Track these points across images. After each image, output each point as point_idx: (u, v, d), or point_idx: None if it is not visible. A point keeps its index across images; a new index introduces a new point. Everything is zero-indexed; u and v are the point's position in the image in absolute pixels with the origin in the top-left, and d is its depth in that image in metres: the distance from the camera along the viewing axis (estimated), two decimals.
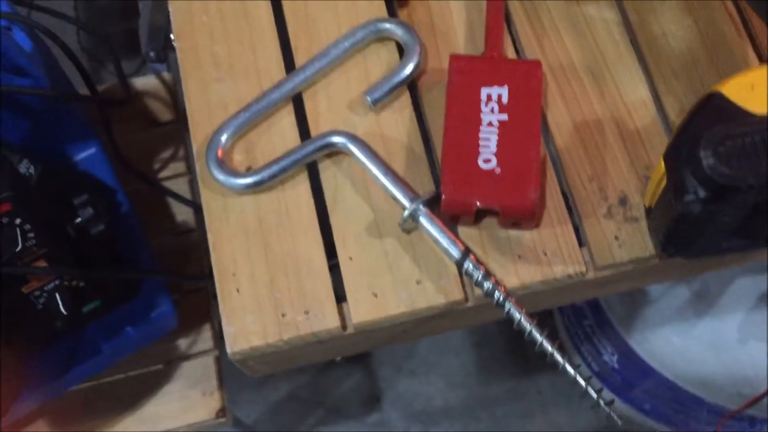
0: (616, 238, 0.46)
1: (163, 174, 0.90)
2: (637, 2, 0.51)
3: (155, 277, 0.75)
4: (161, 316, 0.76)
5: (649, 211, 0.44)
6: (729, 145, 0.36)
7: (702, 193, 0.37)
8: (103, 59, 1.26)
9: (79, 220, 0.63)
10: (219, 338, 0.84)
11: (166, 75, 0.94)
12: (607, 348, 1.02)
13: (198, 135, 0.49)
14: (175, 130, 0.92)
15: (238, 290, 0.45)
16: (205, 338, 0.84)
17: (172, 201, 0.87)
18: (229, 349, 0.44)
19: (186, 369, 0.83)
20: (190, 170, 0.90)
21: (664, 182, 0.40)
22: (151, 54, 0.94)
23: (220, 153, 0.47)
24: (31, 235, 0.59)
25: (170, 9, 0.52)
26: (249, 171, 0.48)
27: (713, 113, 0.38)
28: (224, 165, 0.47)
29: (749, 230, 0.41)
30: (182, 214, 0.88)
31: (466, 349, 1.16)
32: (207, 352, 0.83)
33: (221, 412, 0.79)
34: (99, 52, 1.25)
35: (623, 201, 0.46)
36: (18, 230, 0.58)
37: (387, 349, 1.12)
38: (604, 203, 0.46)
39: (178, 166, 0.91)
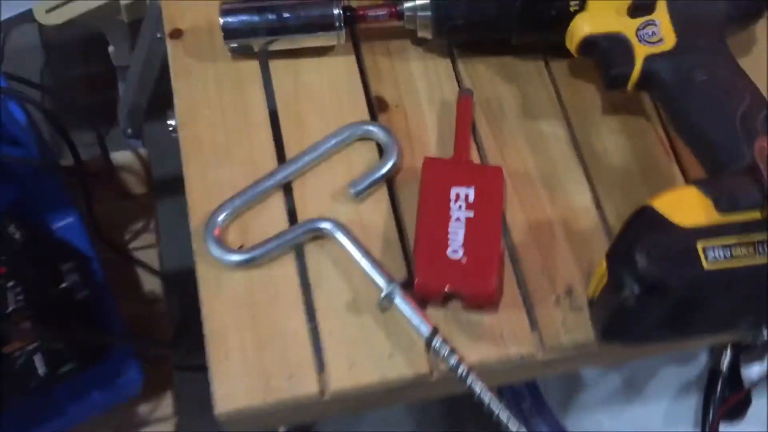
0: (563, 324, 0.52)
1: (133, 244, 0.94)
2: (582, 123, 0.60)
3: (125, 343, 0.78)
4: (128, 381, 0.79)
5: (591, 303, 0.51)
6: (659, 251, 0.44)
7: (636, 290, 0.44)
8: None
9: (64, 285, 0.67)
10: (178, 411, 0.86)
11: (140, 150, 0.99)
12: (544, 430, 1.08)
13: (196, 214, 0.54)
14: (147, 203, 0.97)
15: (226, 357, 0.50)
16: (164, 407, 0.87)
17: (140, 271, 0.91)
18: (216, 410, 0.48)
19: None
20: (159, 241, 0.95)
21: (605, 279, 0.47)
22: (129, 131, 1.00)
23: (217, 231, 0.53)
24: (21, 297, 0.62)
25: (175, 103, 0.58)
26: (242, 249, 0.53)
27: (646, 223, 0.46)
28: (220, 242, 0.52)
29: (677, 323, 0.48)
30: (150, 283, 0.91)
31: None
32: (166, 420, 0.86)
33: None
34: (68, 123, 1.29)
35: (569, 292, 0.53)
36: (10, 293, 0.62)
37: (331, 421, 1.15)
38: (553, 293, 0.53)
39: (148, 237, 0.95)
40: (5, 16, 0.96)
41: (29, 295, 0.63)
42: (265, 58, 0.61)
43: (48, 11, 0.93)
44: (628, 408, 0.99)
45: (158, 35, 0.88)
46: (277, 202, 0.56)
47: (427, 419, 1.21)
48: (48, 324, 0.65)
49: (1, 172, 0.71)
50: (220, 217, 0.53)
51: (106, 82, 1.16)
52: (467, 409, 1.03)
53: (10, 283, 0.62)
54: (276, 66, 0.60)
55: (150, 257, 0.93)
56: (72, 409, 0.77)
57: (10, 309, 0.61)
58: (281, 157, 0.57)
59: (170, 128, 0.64)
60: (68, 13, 0.93)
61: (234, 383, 0.49)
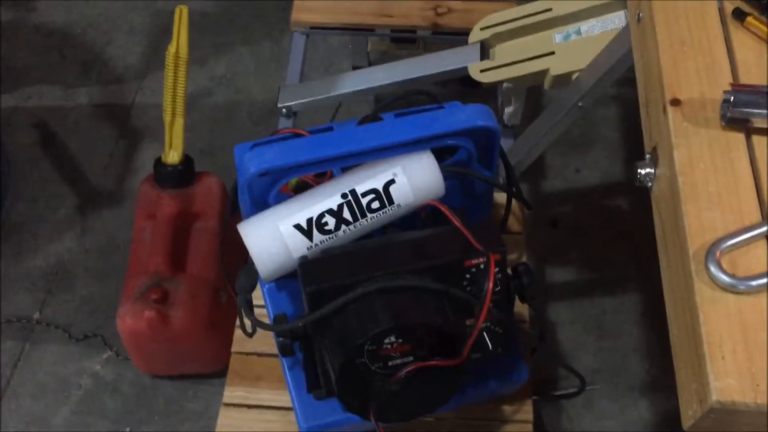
0: None
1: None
2: None
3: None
4: (517, 377, 0.93)
5: None
6: None
7: None
8: None
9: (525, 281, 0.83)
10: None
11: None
12: None
13: (693, 243, 0.67)
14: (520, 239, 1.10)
15: (723, 357, 0.61)
16: (525, 411, 1.00)
17: None
18: (714, 397, 0.60)
19: None
20: None
21: None
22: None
23: (718, 255, 0.65)
24: (498, 285, 0.79)
25: (675, 156, 0.72)
26: (734, 276, 0.65)
27: None
28: (720, 266, 0.65)
29: None
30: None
31: None
32: (524, 422, 0.99)
33: None
34: None
35: None
36: (499, 280, 0.78)
37: None
38: None
39: None
40: (438, 70, 1.17)
41: (501, 284, 0.79)
42: (749, 133, 0.74)
43: (483, 71, 1.13)
44: None
45: (579, 104, 1.04)
46: (762, 246, 0.67)
47: None
48: (500, 311, 0.81)
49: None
50: (722, 246, 0.66)
51: None
52: None
53: (500, 275, 0.78)
54: (759, 140, 0.73)
55: None
56: (471, 390, 0.92)
57: (496, 288, 0.78)
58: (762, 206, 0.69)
59: (640, 176, 0.79)
60: (500, 75, 1.12)
61: (729, 380, 0.60)
